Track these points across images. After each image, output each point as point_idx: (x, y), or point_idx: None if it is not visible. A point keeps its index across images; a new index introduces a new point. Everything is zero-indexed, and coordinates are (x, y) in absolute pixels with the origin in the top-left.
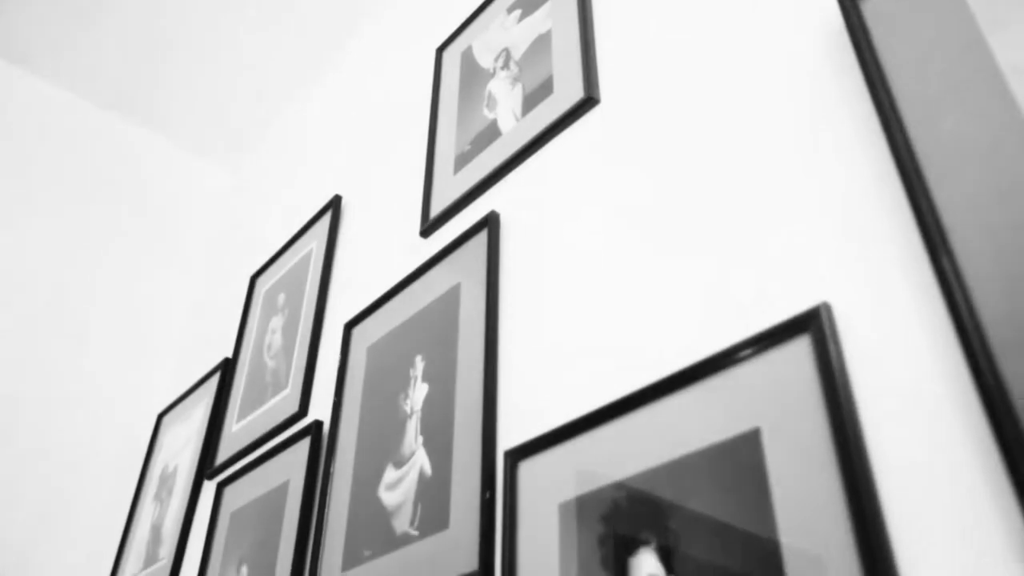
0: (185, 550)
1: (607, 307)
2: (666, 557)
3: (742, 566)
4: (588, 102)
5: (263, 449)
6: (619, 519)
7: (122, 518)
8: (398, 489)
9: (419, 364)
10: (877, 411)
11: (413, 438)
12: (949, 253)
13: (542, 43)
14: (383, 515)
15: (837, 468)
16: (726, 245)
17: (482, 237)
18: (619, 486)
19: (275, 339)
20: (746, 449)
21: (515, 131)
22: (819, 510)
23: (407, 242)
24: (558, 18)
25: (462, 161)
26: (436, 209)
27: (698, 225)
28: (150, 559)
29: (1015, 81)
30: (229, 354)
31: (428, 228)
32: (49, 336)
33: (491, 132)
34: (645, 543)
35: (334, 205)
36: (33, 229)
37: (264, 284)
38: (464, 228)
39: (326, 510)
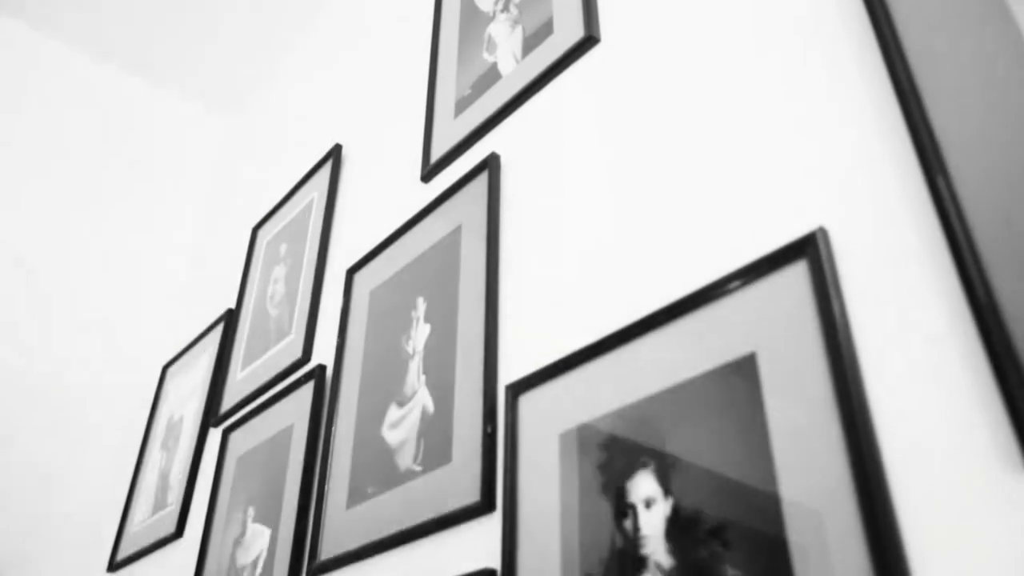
0: (193, 495)
1: (606, 242)
2: (663, 478)
3: (738, 484)
4: (588, 41)
5: (268, 395)
6: (618, 445)
7: (130, 468)
8: (401, 427)
9: (421, 306)
10: (872, 333)
11: (415, 377)
12: (945, 174)
13: None
14: (386, 453)
15: (832, 390)
16: (723, 174)
17: (483, 179)
18: (618, 414)
19: (277, 288)
20: (742, 373)
21: (515, 73)
22: (814, 431)
23: (408, 187)
24: None
25: (462, 105)
26: (437, 154)
27: (696, 157)
28: (159, 505)
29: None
30: (232, 305)
31: (429, 172)
32: (52, 291)
33: (491, 75)
34: (643, 466)
35: (334, 154)
36: (33, 183)
37: (266, 235)
38: (465, 171)
39: (330, 450)
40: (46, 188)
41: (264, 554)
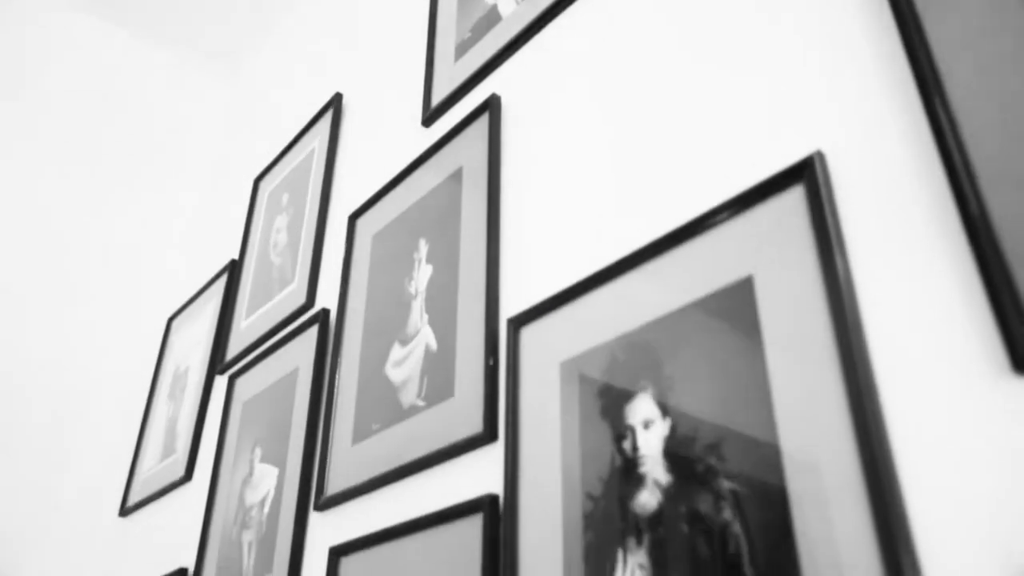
0: (200, 440)
1: (605, 175)
2: (662, 400)
3: (733, 401)
4: None
5: (272, 341)
6: (618, 371)
7: (137, 419)
8: (404, 365)
9: (423, 247)
10: (868, 252)
11: (418, 317)
12: (942, 95)
13: None
14: (390, 391)
15: (827, 309)
16: (721, 101)
17: (483, 121)
18: (618, 341)
19: (280, 237)
20: (739, 296)
21: (515, 14)
22: (809, 349)
23: (409, 132)
24: None
25: (463, 49)
26: (437, 98)
27: (694, 86)
28: (167, 452)
29: None
30: (235, 256)
31: (430, 117)
32: (57, 248)
33: (492, 17)
34: (642, 390)
35: (335, 103)
36: (34, 142)
37: (267, 186)
38: (465, 114)
39: (335, 390)
40: (45, 146)
41: (272, 492)
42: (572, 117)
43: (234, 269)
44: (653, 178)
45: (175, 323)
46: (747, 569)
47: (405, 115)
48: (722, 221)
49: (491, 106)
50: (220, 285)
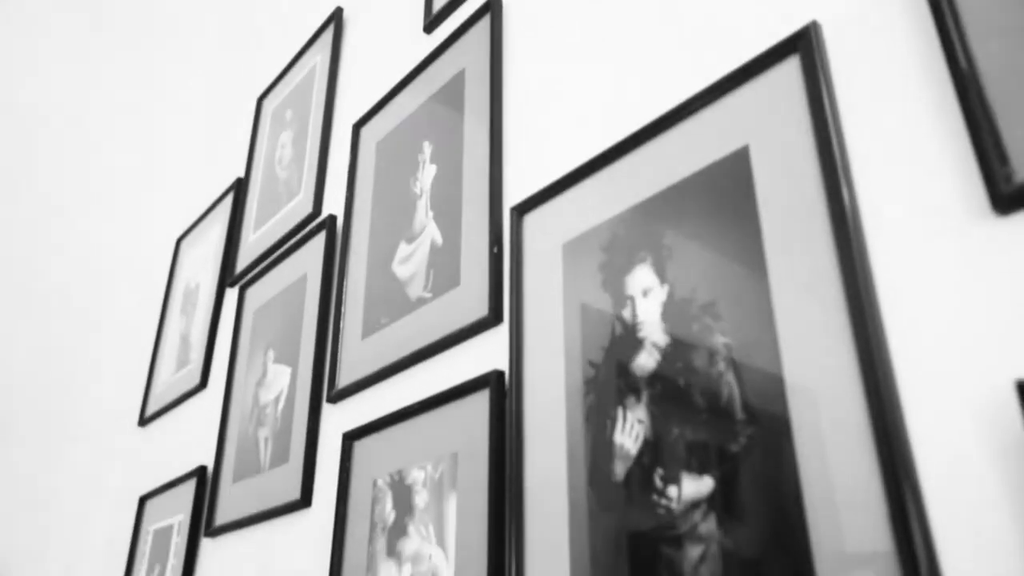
0: (214, 350)
1: (603, 61)
2: (660, 269)
3: (728, 263)
4: None
5: (281, 251)
6: (618, 246)
7: (151, 337)
8: (411, 261)
9: (427, 149)
10: (861, 120)
11: (424, 214)
12: None
13: None
14: (398, 286)
15: (820, 180)
16: None
17: (485, 22)
18: (618, 219)
19: (285, 152)
20: (735, 165)
21: None
22: (802, 217)
23: (411, 40)
24: None
25: None
26: (439, 3)
27: None
28: (181, 363)
29: None
30: (241, 174)
31: (431, 23)
32: (63, 176)
33: None
34: (641, 261)
35: (336, 17)
36: (39, 67)
37: (271, 104)
38: (467, 16)
39: (344, 290)
40: (47, 73)
41: (285, 390)
42: (569, 8)
43: (240, 187)
44: (652, 60)
45: (184, 243)
46: (739, 414)
47: (406, 23)
48: (719, 96)
49: (492, 6)
50: (227, 203)
